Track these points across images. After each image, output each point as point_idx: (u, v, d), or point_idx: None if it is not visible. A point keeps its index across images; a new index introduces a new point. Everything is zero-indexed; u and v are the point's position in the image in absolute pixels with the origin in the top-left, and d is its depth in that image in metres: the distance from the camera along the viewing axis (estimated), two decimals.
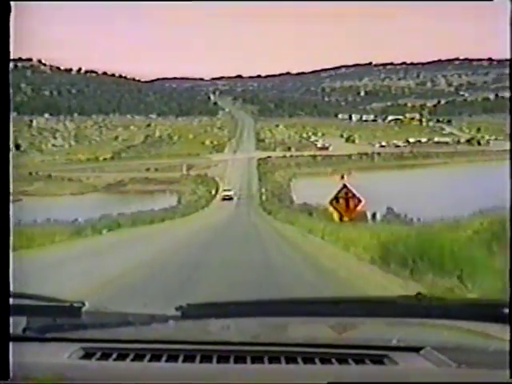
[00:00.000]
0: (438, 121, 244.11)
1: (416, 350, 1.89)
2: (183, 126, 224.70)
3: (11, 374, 1.64)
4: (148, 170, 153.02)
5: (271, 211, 63.89)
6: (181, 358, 1.82)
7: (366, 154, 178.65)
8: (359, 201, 29.69)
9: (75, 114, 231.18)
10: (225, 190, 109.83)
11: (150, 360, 1.82)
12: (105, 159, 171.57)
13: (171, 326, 2.34)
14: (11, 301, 1.73)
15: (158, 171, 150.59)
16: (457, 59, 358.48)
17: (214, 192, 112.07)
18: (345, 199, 29.63)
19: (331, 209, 31.10)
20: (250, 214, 66.54)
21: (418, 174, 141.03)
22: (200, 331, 2.35)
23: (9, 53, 1.62)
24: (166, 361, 1.81)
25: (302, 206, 62.47)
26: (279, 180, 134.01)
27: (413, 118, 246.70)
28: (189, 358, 1.82)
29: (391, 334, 2.19)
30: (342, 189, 29.77)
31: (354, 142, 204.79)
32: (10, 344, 1.67)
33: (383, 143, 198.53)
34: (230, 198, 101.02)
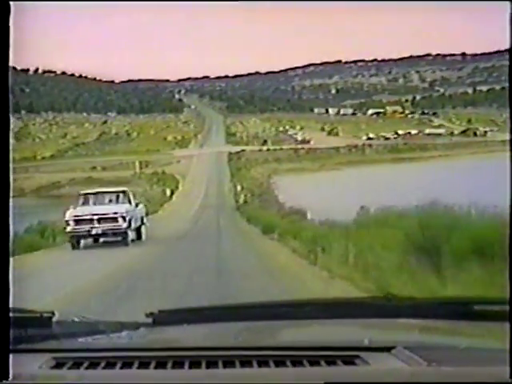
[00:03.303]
0: (423, 113, 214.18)
1: (387, 349, 1.82)
2: (144, 123, 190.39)
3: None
4: (94, 168, 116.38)
5: (271, 224, 26.67)
6: (152, 365, 1.74)
7: (356, 146, 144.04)
8: None
9: (23, 112, 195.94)
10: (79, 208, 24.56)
11: (122, 367, 1.73)
12: (43, 158, 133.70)
13: (142, 333, 2.24)
14: None
15: (106, 170, 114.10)
16: (429, 55, 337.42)
17: (169, 192, 74.93)
18: None
19: None
20: (221, 226, 35.49)
21: (423, 168, 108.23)
22: (171, 337, 2.25)
23: (9, 53, 1.52)
24: (138, 368, 1.73)
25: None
26: (257, 177, 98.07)
27: (395, 111, 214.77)
28: (160, 364, 1.74)
29: (362, 335, 2.14)
30: None
31: (337, 135, 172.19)
32: None
33: (371, 135, 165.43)
34: (105, 235, 23.86)
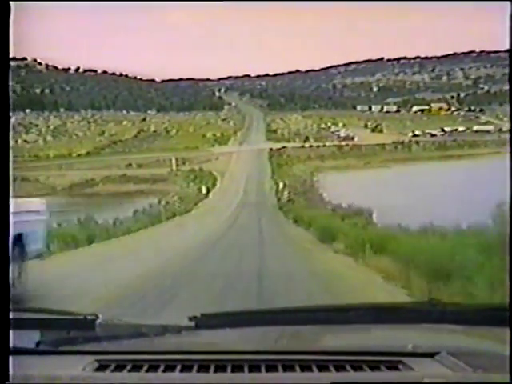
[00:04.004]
0: (469, 109, 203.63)
1: (431, 355, 1.80)
2: (184, 120, 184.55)
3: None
4: (129, 166, 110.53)
5: (329, 229, 19.37)
6: (195, 368, 1.74)
7: (402, 143, 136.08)
8: None
9: (61, 110, 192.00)
10: None
11: (164, 370, 1.74)
12: (79, 155, 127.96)
13: (185, 337, 2.23)
14: (24, 315, 1.69)
15: (142, 167, 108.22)
16: (473, 52, 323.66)
17: (205, 190, 68.36)
18: None
19: None
20: (263, 230, 28.52)
21: (478, 166, 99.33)
22: (213, 341, 2.24)
23: (9, 53, 1.51)
24: (181, 371, 1.73)
25: None
26: (300, 174, 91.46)
27: (441, 108, 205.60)
28: (203, 367, 1.74)
29: (406, 340, 2.08)
30: None
31: (381, 131, 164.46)
32: (23, 358, 1.62)
33: (417, 132, 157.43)
34: None
